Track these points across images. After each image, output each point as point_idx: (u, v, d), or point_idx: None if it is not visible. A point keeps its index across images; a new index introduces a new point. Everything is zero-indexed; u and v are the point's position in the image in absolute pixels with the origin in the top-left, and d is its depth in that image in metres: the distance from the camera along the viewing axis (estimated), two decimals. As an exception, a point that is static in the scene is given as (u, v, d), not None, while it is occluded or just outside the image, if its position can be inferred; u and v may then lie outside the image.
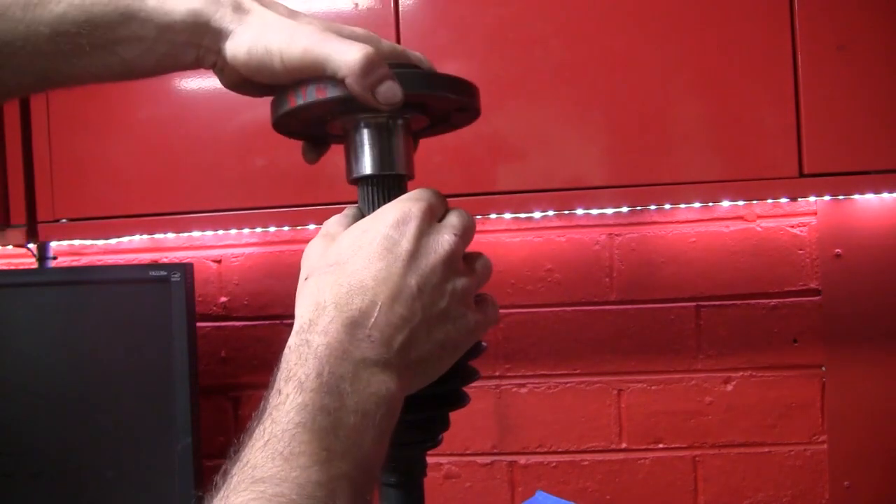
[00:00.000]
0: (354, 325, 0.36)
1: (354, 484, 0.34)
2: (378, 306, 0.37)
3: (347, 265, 0.38)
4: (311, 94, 0.40)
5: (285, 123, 0.43)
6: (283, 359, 0.36)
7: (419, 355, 0.38)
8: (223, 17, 0.40)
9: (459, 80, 0.43)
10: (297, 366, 0.35)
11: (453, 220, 0.41)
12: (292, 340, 0.37)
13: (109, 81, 0.43)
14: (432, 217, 0.40)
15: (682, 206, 1.14)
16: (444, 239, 0.40)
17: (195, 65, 0.43)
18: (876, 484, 1.15)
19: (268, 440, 0.33)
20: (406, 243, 0.38)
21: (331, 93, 0.39)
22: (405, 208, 0.40)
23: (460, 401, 0.44)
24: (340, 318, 0.36)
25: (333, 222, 0.44)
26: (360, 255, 0.38)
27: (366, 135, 0.43)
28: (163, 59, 0.42)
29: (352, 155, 0.44)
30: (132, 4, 0.40)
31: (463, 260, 0.41)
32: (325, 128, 0.45)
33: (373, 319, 0.37)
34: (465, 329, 0.40)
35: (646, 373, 1.21)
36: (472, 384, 0.44)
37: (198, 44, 0.41)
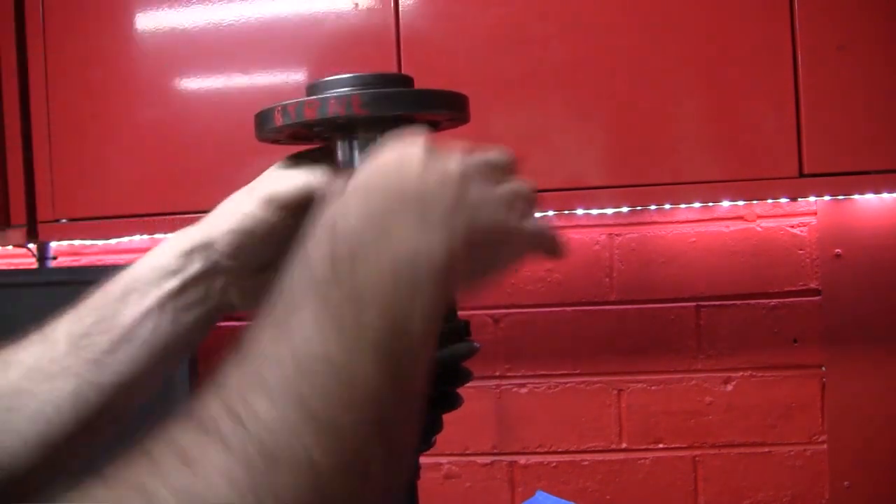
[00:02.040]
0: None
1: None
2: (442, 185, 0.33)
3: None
4: (299, 115, 0.39)
5: (272, 138, 0.44)
6: None
7: (473, 224, 0.33)
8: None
9: (451, 94, 0.43)
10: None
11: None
12: None
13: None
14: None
15: (682, 206, 1.13)
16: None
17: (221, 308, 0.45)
18: (876, 484, 1.15)
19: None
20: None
21: (319, 114, 0.39)
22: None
23: (453, 403, 0.44)
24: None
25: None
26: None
27: (356, 153, 0.43)
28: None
29: (345, 171, 0.43)
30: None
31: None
32: (311, 135, 0.45)
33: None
34: (521, 240, 0.37)
35: (646, 373, 1.21)
36: (469, 385, 0.44)
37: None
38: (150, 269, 0.43)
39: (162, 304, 0.42)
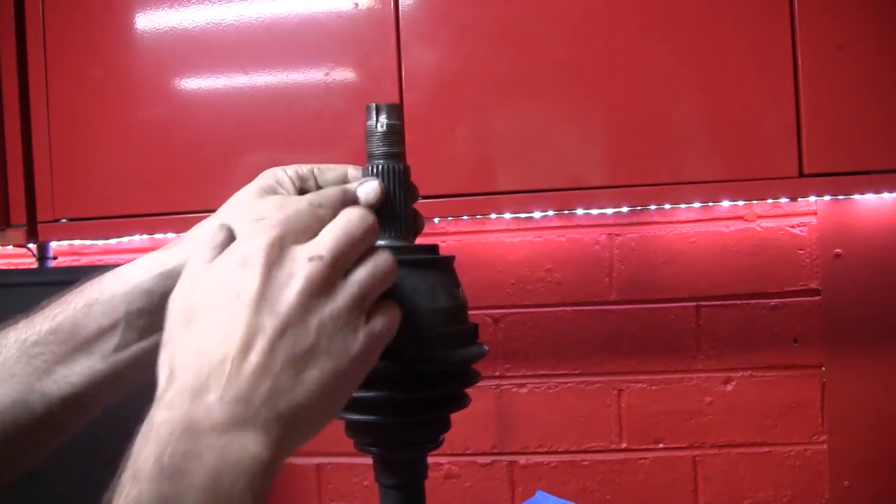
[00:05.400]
0: (202, 392, 0.32)
1: None
2: (230, 361, 0.33)
3: (198, 324, 0.35)
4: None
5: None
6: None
7: (293, 403, 0.34)
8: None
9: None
10: (137, 451, 0.32)
11: (320, 238, 0.36)
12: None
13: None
14: (283, 245, 0.35)
15: (682, 206, 1.14)
16: (298, 268, 0.35)
17: None
18: (876, 484, 1.15)
19: None
20: (250, 284, 0.34)
21: None
22: (248, 245, 0.36)
23: (461, 402, 0.44)
24: (188, 386, 0.33)
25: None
26: (207, 310, 0.35)
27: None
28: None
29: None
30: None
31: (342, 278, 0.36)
32: None
33: (224, 379, 0.33)
34: (347, 359, 0.35)
35: (646, 373, 1.21)
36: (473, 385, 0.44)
37: None
38: (122, 284, 0.41)
39: (129, 321, 0.41)
